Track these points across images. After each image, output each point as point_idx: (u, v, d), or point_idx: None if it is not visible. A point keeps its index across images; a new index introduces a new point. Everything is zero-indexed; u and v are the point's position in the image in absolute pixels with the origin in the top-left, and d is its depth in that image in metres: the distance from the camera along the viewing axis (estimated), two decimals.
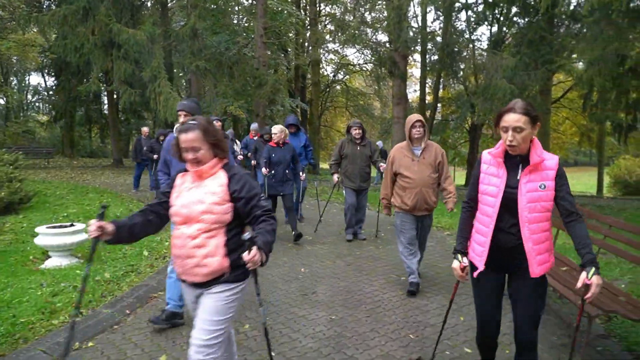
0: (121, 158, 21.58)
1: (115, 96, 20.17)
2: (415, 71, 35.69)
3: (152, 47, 13.91)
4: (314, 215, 8.93)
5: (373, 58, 27.59)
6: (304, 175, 7.41)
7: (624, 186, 28.25)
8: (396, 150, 4.88)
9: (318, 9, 25.75)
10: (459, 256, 2.63)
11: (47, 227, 5.62)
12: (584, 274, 2.20)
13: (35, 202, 9.62)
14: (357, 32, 15.54)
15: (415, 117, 4.77)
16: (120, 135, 23.54)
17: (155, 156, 10.40)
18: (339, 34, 18.64)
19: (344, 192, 7.20)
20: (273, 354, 3.45)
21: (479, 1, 18.71)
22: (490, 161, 2.57)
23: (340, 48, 30.43)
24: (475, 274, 2.58)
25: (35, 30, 23.09)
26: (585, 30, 9.79)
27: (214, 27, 18.59)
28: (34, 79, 48.13)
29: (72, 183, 13.83)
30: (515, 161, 2.48)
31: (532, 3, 14.42)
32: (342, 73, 35.19)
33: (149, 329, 3.88)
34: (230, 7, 18.90)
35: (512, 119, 2.35)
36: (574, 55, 12.43)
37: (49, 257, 5.74)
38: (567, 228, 2.40)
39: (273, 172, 6.87)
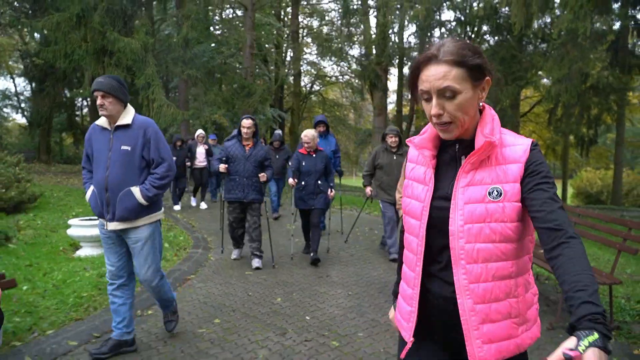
0: None
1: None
2: (390, 84, 36.76)
3: (146, 55, 14.42)
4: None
5: (350, 70, 28.74)
6: (333, 192, 6.46)
7: (585, 196, 29.95)
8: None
9: (299, 22, 26.59)
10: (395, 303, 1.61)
11: (80, 220, 6.16)
12: (571, 342, 1.01)
13: (39, 203, 10.00)
14: (342, 46, 16.36)
15: None
16: None
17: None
18: (323, 49, 19.35)
19: (380, 205, 6.49)
20: (308, 317, 4.14)
21: (452, 19, 19.97)
22: (416, 158, 1.54)
23: (318, 60, 31.41)
24: (403, 353, 1.52)
25: (15, 37, 23.17)
26: (552, 50, 10.85)
27: (199, 37, 19.21)
28: (1, 83, 47.26)
29: (63, 186, 14.13)
30: (454, 152, 1.44)
31: (503, 23, 15.61)
32: (317, 84, 36.11)
33: (195, 300, 4.50)
34: (216, 19, 19.46)
35: (434, 74, 1.29)
36: (541, 73, 13.57)
37: (79, 247, 6.26)
38: (550, 261, 1.22)
39: (303, 183, 6.09)
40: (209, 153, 10.50)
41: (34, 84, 21.14)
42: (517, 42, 14.82)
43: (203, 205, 10.99)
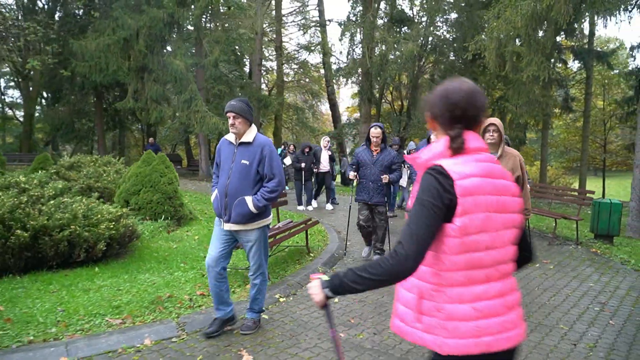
0: None
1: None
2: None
3: (188, 74, 17.36)
4: None
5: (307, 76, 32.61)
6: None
7: None
8: None
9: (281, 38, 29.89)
10: None
11: None
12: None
13: None
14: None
15: (489, 120, 4.17)
16: (115, 146, 25.90)
17: (302, 165, 11.30)
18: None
19: None
20: None
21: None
22: None
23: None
24: None
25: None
26: (516, 84, 15.18)
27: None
28: None
29: None
30: None
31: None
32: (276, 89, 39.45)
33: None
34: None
35: None
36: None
37: None
38: None
39: None
40: (332, 159, 11.64)
41: (47, 94, 23.22)
42: (478, 67, 19.27)
43: (329, 207, 11.83)
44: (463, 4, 18.01)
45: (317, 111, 41.14)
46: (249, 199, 3.64)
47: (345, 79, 21.56)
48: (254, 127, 3.79)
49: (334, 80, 25.42)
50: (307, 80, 36.36)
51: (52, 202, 5.55)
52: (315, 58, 39.47)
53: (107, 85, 21.16)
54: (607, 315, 4.68)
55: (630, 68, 27.48)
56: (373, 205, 6.23)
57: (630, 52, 26.29)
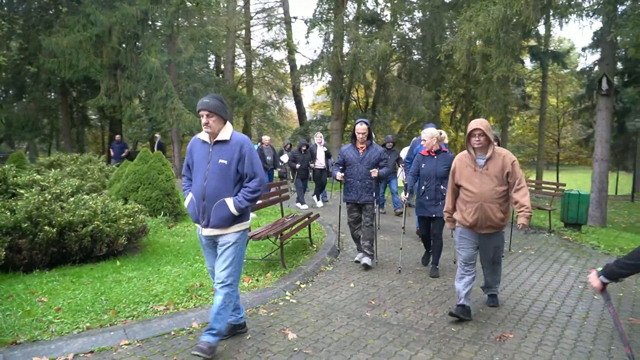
0: None
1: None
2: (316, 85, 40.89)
3: (163, 71, 17.32)
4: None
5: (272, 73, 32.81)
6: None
7: None
8: (459, 159, 4.36)
9: (250, 36, 29.98)
10: None
11: None
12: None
13: None
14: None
15: (475, 124, 4.14)
16: (74, 143, 25.32)
17: (297, 165, 11.27)
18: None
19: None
20: None
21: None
22: None
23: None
24: None
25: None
26: (484, 84, 16.07)
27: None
28: None
29: None
30: None
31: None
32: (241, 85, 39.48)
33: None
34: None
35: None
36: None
37: None
38: None
39: (423, 187, 5.79)
40: (327, 155, 11.57)
41: (11, 91, 22.47)
42: (445, 66, 20.10)
43: (319, 204, 11.60)
44: (429, 4, 18.77)
45: (283, 108, 41.45)
46: (229, 201, 3.45)
47: (315, 76, 21.92)
48: (229, 125, 3.57)
49: (301, 78, 25.71)
50: (271, 76, 36.49)
51: (72, 199, 5.73)
52: (280, 55, 39.84)
53: (74, 81, 20.76)
54: (591, 292, 5.33)
55: (581, 67, 29.11)
56: (361, 205, 6.01)
57: (581, 52, 28.03)
